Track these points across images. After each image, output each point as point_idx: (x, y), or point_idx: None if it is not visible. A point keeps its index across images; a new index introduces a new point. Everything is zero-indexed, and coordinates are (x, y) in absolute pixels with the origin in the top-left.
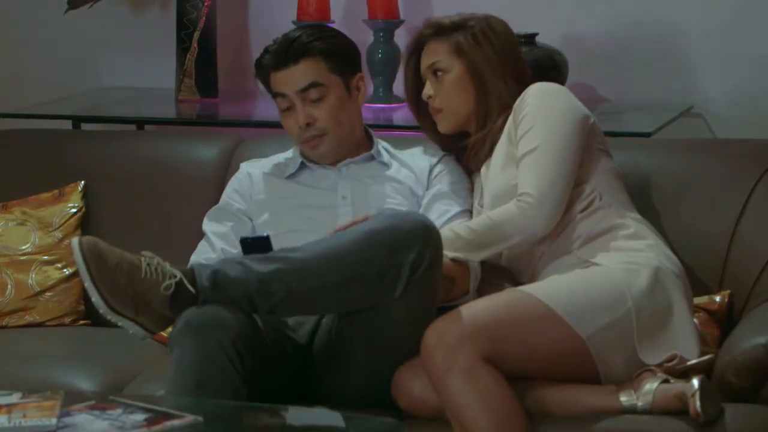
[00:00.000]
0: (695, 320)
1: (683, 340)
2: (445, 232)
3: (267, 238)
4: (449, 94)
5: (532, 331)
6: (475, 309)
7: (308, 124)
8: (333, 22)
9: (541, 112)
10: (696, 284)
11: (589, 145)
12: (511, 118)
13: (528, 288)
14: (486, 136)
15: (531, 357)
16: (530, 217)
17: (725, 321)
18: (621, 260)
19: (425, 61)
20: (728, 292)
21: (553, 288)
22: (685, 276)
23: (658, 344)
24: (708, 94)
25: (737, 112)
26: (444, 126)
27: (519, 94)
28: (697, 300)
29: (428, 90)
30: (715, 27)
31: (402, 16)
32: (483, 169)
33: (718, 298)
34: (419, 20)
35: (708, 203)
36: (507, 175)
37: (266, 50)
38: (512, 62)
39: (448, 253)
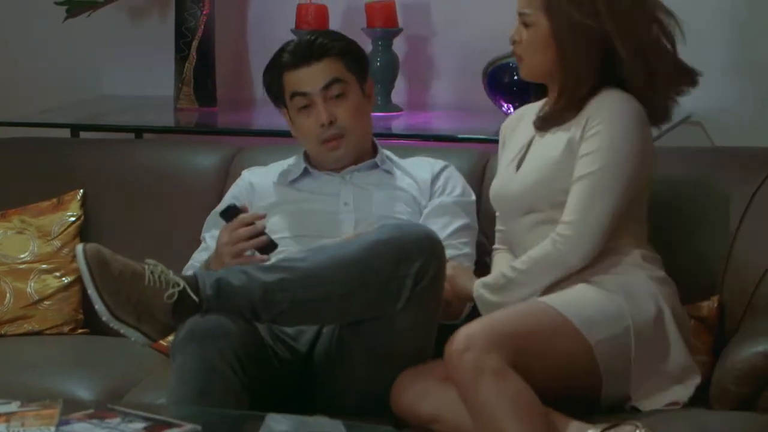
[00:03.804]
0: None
1: (679, 385)
2: (492, 275)
3: (235, 207)
4: (530, 49)
5: (551, 341)
6: (500, 318)
7: (330, 122)
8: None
9: (609, 137)
10: (695, 292)
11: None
12: (582, 122)
13: (546, 299)
14: (556, 111)
15: (546, 368)
16: (564, 252)
17: (717, 327)
18: (622, 286)
19: (519, 4)
20: (717, 297)
21: (568, 299)
22: (686, 316)
23: (651, 390)
24: (707, 103)
25: (736, 120)
26: (522, 72)
27: (624, 77)
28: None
29: (513, 34)
30: (713, 35)
31: (401, 25)
32: (537, 137)
33: (707, 304)
34: (418, 29)
35: (707, 211)
36: (548, 177)
37: (282, 51)
38: (626, 35)
39: (490, 297)
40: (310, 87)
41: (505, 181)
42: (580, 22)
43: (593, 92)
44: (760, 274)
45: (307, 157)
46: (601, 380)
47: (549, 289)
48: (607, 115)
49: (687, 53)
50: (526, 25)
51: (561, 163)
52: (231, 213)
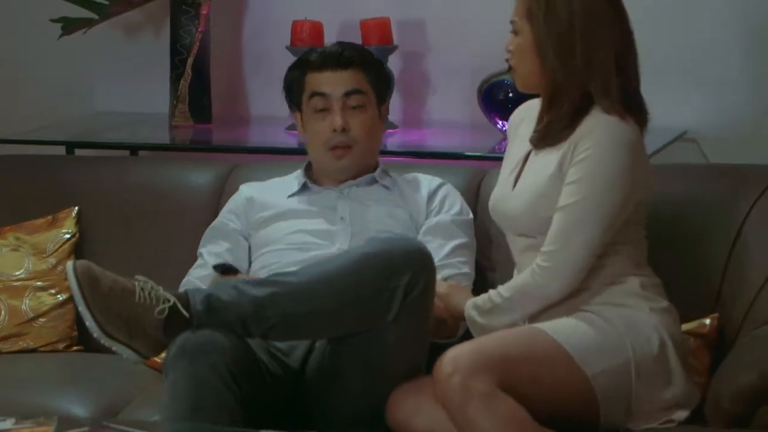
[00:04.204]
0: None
1: (678, 408)
2: (481, 296)
3: (232, 268)
4: (519, 58)
5: (542, 367)
6: (490, 341)
7: (343, 129)
8: None
9: (592, 166)
10: (691, 309)
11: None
12: (573, 145)
13: (542, 325)
14: (548, 127)
15: (539, 393)
16: (541, 284)
17: (715, 345)
18: (624, 318)
19: (512, 13)
20: (716, 315)
21: (564, 327)
22: (688, 343)
23: (650, 416)
24: (702, 119)
25: (731, 136)
26: (516, 84)
27: (606, 93)
28: (687, 326)
29: (508, 43)
30: (708, 52)
31: (396, 42)
32: (533, 152)
33: (707, 321)
34: (413, 46)
35: (702, 228)
36: (536, 207)
37: (311, 51)
38: (599, 47)
39: (478, 319)
40: (331, 90)
41: (503, 196)
42: (557, 31)
43: (584, 110)
44: (756, 290)
45: (307, 173)
46: (599, 408)
47: (547, 316)
48: (593, 142)
49: (681, 70)
50: (516, 33)
51: (549, 189)
52: (225, 270)
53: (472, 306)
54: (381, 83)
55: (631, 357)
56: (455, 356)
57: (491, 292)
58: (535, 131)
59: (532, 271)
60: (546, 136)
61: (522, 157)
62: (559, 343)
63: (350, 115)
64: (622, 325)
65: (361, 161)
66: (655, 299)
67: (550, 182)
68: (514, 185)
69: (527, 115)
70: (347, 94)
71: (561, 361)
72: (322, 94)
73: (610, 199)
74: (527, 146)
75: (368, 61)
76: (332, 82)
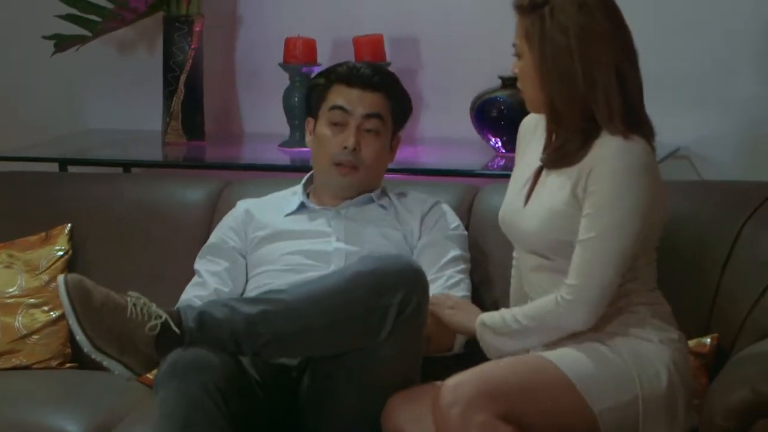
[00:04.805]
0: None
1: None
2: (494, 317)
3: None
4: (523, 81)
5: (546, 397)
6: (495, 369)
7: (354, 149)
8: (320, 64)
9: (609, 198)
10: (683, 327)
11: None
12: (586, 171)
13: (549, 354)
14: (560, 149)
15: (542, 424)
16: (565, 316)
17: (713, 365)
18: (634, 350)
19: (515, 34)
20: (716, 335)
21: (572, 358)
22: (692, 372)
23: None
24: (694, 136)
25: (724, 153)
26: (527, 105)
27: (609, 112)
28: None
29: (512, 66)
30: (701, 70)
31: (388, 59)
32: (542, 175)
33: (708, 341)
34: (406, 62)
35: (695, 245)
36: (551, 228)
37: (343, 64)
38: (599, 65)
39: (491, 340)
40: (353, 107)
41: (514, 210)
42: (553, 52)
43: (593, 132)
44: (749, 306)
45: (306, 189)
46: None
47: (556, 343)
48: (606, 171)
49: (674, 88)
50: (518, 56)
51: (565, 213)
52: None
53: (483, 324)
54: (401, 114)
55: (639, 393)
56: (456, 385)
57: (506, 314)
58: (545, 153)
59: (556, 302)
60: (559, 159)
61: (533, 173)
62: (566, 375)
63: (363, 137)
64: (632, 359)
65: (363, 183)
66: (666, 329)
67: (564, 205)
68: (526, 201)
69: (539, 125)
70: (367, 116)
71: (566, 393)
72: (343, 109)
73: (629, 230)
74: (538, 162)
75: (396, 91)
76: (357, 101)
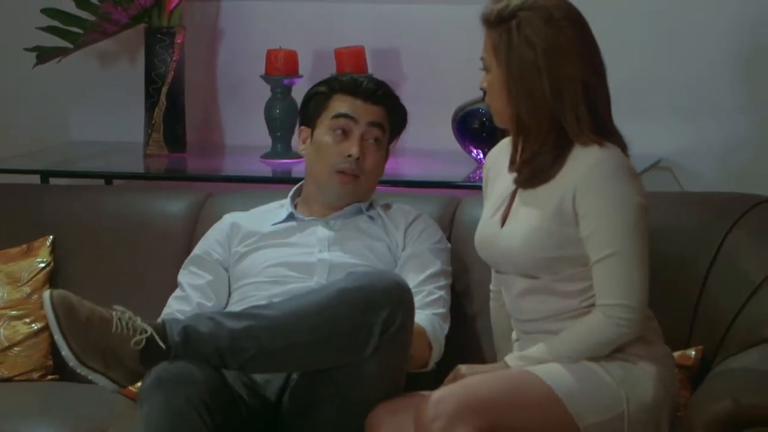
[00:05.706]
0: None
1: None
2: (540, 349)
3: None
4: (490, 95)
5: (530, 411)
6: (479, 383)
7: (358, 158)
8: (301, 76)
9: (609, 208)
10: (665, 338)
11: None
12: (569, 191)
13: (534, 369)
14: (532, 164)
15: None
16: (629, 334)
17: (697, 377)
18: (621, 365)
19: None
20: (701, 347)
21: (558, 373)
22: (679, 395)
23: None
24: (676, 148)
25: (705, 165)
26: (494, 119)
27: (577, 124)
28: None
29: (481, 80)
30: (683, 81)
31: (370, 71)
32: (517, 196)
33: (693, 353)
34: (387, 75)
35: (677, 256)
36: (535, 246)
37: (345, 74)
38: (566, 80)
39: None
40: (359, 116)
41: (490, 235)
42: (520, 67)
43: (566, 145)
44: (731, 318)
45: (294, 200)
46: None
47: None
48: (594, 186)
49: (655, 99)
50: (486, 70)
51: (548, 229)
52: None
53: (518, 358)
54: (397, 127)
55: (624, 411)
56: (439, 399)
57: (544, 355)
58: (517, 171)
59: (617, 325)
60: (533, 176)
61: (508, 195)
62: (552, 390)
63: (367, 146)
64: (620, 375)
65: (361, 192)
66: (654, 345)
67: (546, 222)
68: (502, 223)
69: (499, 158)
70: (372, 125)
71: (552, 407)
72: (349, 117)
73: (642, 226)
74: (512, 185)
75: (395, 106)
76: (363, 110)
